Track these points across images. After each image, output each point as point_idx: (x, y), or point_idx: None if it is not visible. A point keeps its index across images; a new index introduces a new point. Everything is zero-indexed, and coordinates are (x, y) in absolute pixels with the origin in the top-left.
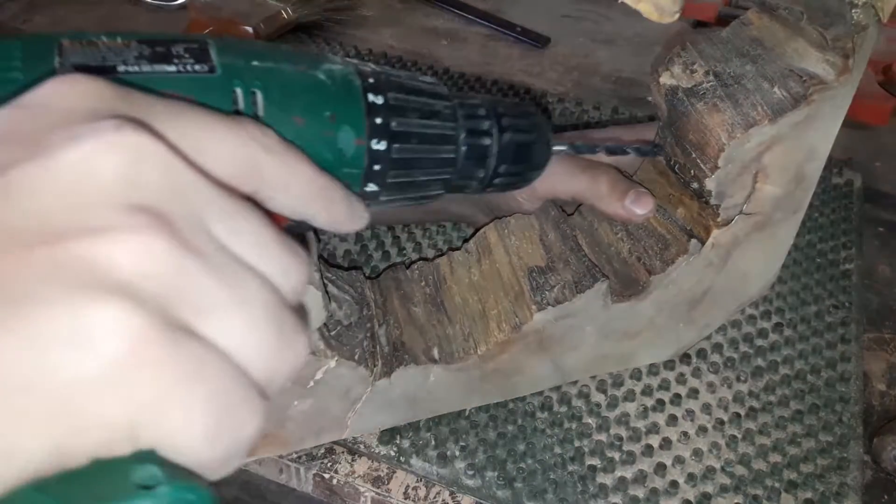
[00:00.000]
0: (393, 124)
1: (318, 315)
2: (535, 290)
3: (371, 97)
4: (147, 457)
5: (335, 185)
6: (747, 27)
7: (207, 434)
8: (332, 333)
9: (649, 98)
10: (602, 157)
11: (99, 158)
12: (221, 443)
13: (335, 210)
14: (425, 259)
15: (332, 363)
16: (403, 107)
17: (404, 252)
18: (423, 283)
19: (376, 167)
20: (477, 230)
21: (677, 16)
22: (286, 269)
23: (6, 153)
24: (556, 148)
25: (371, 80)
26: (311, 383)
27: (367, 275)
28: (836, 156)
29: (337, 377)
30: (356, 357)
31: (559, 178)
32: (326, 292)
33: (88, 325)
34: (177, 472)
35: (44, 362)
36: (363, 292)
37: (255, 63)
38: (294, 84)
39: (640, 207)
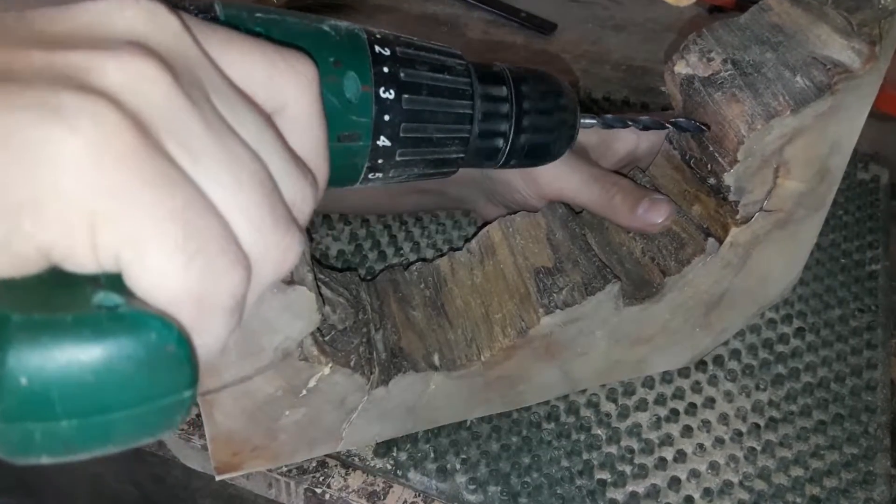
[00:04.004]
0: (402, 75)
1: (311, 319)
2: (542, 293)
3: (378, 48)
4: (112, 282)
5: (326, 168)
6: (767, 13)
7: (175, 250)
8: (326, 339)
9: (663, 87)
10: (634, 132)
11: (114, 12)
12: (192, 273)
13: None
14: (424, 260)
15: (326, 370)
16: (412, 59)
17: (401, 252)
18: (422, 286)
19: (386, 117)
20: (480, 228)
21: None
22: (289, 175)
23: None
24: (585, 121)
25: (378, 36)
26: (304, 391)
27: (362, 276)
28: (862, 150)
29: (331, 385)
30: (351, 364)
31: (570, 187)
32: (320, 294)
33: (64, 102)
34: (142, 304)
35: (8, 122)
36: (358, 295)
37: (258, 15)
38: (297, 32)
39: (655, 215)
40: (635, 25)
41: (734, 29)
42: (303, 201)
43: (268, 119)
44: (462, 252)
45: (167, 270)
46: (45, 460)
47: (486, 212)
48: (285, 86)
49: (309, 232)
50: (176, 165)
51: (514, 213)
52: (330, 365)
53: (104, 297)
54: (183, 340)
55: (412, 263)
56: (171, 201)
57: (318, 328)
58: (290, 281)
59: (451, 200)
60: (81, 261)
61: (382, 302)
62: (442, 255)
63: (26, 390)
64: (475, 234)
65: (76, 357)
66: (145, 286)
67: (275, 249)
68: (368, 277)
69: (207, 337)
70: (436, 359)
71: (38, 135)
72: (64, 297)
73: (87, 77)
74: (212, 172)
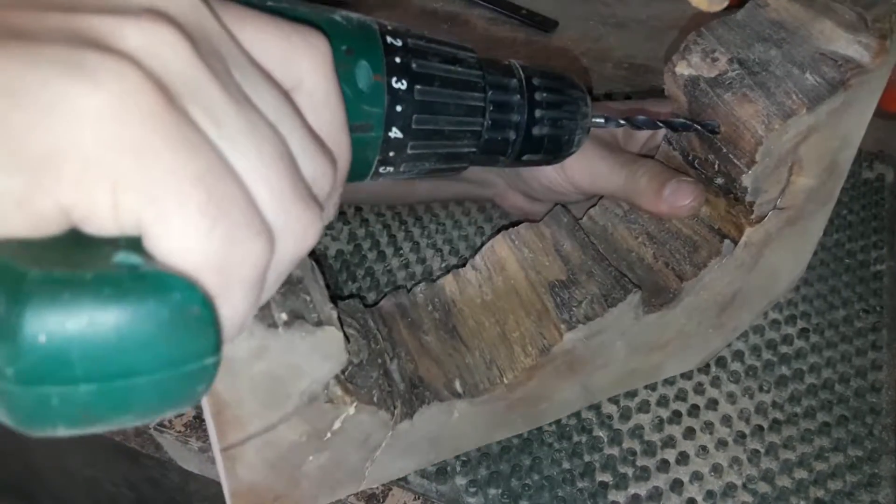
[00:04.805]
0: (414, 65)
1: (339, 359)
2: (561, 307)
3: (389, 39)
4: (131, 245)
5: (347, 149)
6: (763, 9)
7: (198, 214)
8: (346, 374)
9: (664, 86)
10: (629, 133)
11: None
12: (215, 239)
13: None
14: (428, 277)
15: (351, 410)
16: (423, 50)
17: (401, 252)
18: (430, 308)
19: (398, 108)
20: (487, 240)
21: (726, 3)
22: (308, 152)
23: None
24: (597, 120)
25: (389, 27)
26: (329, 434)
27: (365, 302)
28: (867, 148)
29: (356, 425)
30: (375, 399)
31: (600, 174)
32: (344, 332)
33: (86, 59)
34: (164, 266)
35: (28, 76)
36: (366, 323)
37: (269, 3)
38: (308, 19)
39: (682, 197)
40: (637, 23)
41: (733, 27)
42: (322, 178)
43: (286, 95)
44: (467, 269)
45: (189, 234)
46: (61, 431)
47: (506, 199)
48: (301, 61)
49: (321, 266)
50: (199, 129)
51: (534, 202)
52: (355, 404)
53: (124, 258)
54: (207, 303)
55: (416, 284)
56: (194, 164)
57: None
58: (318, 322)
59: (471, 185)
60: (102, 221)
61: (391, 329)
62: (445, 274)
63: (44, 349)
64: (478, 250)
65: (97, 316)
66: (166, 250)
67: (296, 223)
68: (371, 304)
69: (228, 309)
70: (457, 385)
71: (60, 89)
72: (82, 256)
73: (107, 40)
74: (235, 140)
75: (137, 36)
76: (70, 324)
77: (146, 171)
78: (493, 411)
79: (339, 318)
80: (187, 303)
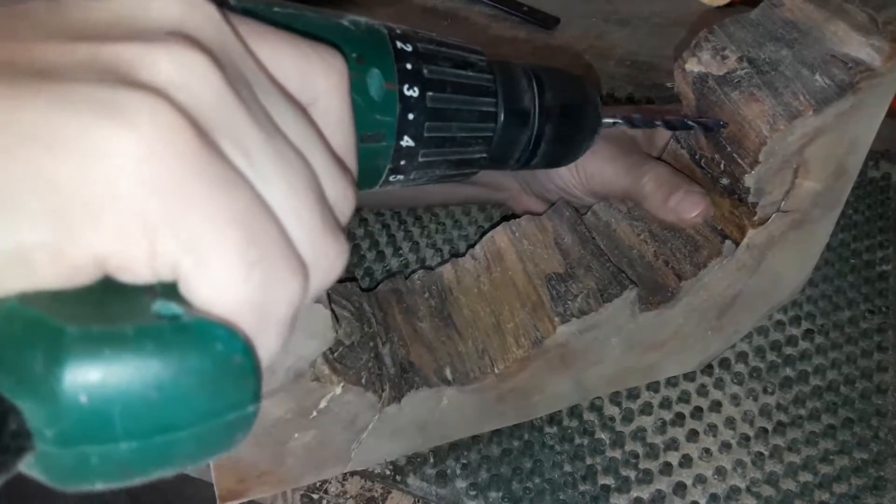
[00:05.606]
0: (425, 71)
1: (325, 337)
2: (556, 300)
3: (399, 44)
4: (167, 291)
5: (353, 164)
6: (779, 8)
7: (237, 257)
8: (335, 355)
9: (668, 84)
10: (661, 132)
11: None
12: (254, 281)
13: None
14: (426, 267)
15: (338, 389)
16: (434, 55)
17: (400, 252)
18: (426, 295)
19: (410, 116)
20: (485, 232)
21: None
22: (331, 175)
23: None
24: (607, 120)
25: (398, 31)
26: (314, 413)
27: (362, 287)
28: (873, 147)
29: (342, 405)
30: (363, 381)
31: (610, 177)
32: (332, 311)
33: (119, 99)
34: (202, 313)
35: (60, 120)
36: (361, 307)
37: (276, 9)
38: (318, 27)
39: (687, 209)
40: (640, 19)
41: (746, 25)
42: (344, 202)
43: (309, 117)
44: (466, 258)
45: (229, 278)
46: (98, 487)
47: (519, 202)
48: (318, 80)
49: None
50: (234, 167)
51: (549, 204)
52: (342, 384)
53: (163, 307)
54: (248, 350)
55: (413, 272)
56: (233, 205)
57: None
58: None
59: (484, 189)
60: (139, 269)
61: (386, 314)
62: (445, 263)
63: (86, 410)
64: (478, 240)
65: (140, 373)
66: (205, 295)
67: (325, 256)
68: (368, 288)
69: (262, 350)
70: (448, 372)
71: (94, 132)
72: (119, 308)
73: (136, 72)
74: (266, 173)
75: (167, 65)
76: (112, 383)
77: (184, 217)
78: (483, 401)
79: (329, 296)
80: (230, 352)
